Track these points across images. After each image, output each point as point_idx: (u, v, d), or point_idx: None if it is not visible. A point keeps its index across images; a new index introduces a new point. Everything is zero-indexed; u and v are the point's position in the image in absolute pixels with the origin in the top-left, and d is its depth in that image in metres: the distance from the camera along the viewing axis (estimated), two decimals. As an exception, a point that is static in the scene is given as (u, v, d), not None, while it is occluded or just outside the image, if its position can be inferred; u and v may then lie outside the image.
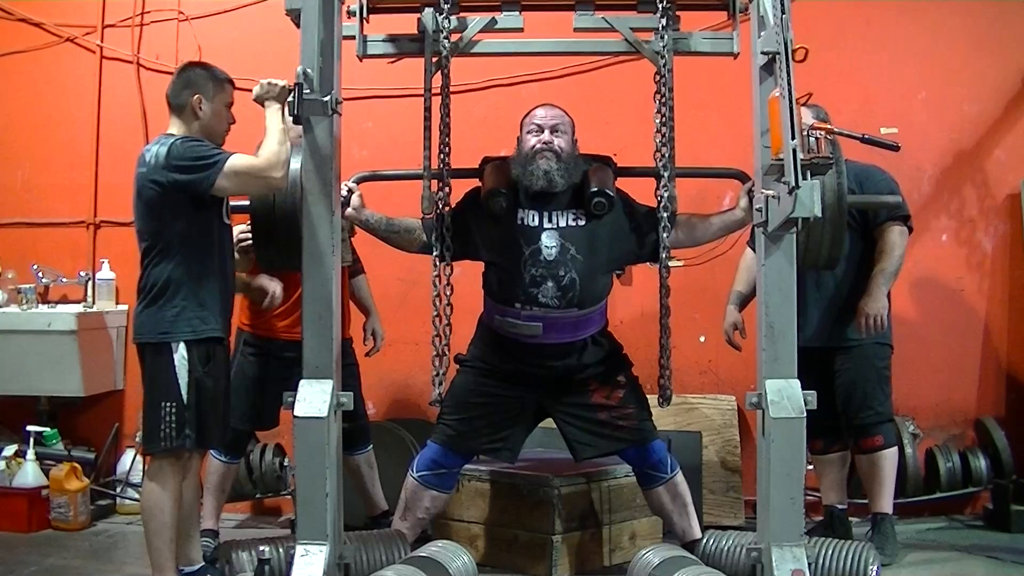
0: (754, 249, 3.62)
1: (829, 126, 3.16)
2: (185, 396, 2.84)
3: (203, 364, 2.88)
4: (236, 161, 2.81)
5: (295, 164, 2.89)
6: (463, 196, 3.30)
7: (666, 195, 3.07)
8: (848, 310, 3.52)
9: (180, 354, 2.85)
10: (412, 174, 3.29)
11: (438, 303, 3.16)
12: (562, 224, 3.16)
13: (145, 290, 2.89)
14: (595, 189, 3.12)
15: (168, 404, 2.84)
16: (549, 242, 3.13)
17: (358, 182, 3.23)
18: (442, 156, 3.13)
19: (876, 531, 3.53)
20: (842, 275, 3.52)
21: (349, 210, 3.12)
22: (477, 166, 3.30)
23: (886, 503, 3.57)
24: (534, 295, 3.12)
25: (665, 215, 3.09)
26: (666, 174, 3.08)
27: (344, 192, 3.08)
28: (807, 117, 3.48)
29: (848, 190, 3.54)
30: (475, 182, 3.30)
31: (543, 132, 3.17)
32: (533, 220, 3.17)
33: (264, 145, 2.81)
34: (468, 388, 3.27)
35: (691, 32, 3.20)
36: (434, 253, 3.15)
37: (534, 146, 3.16)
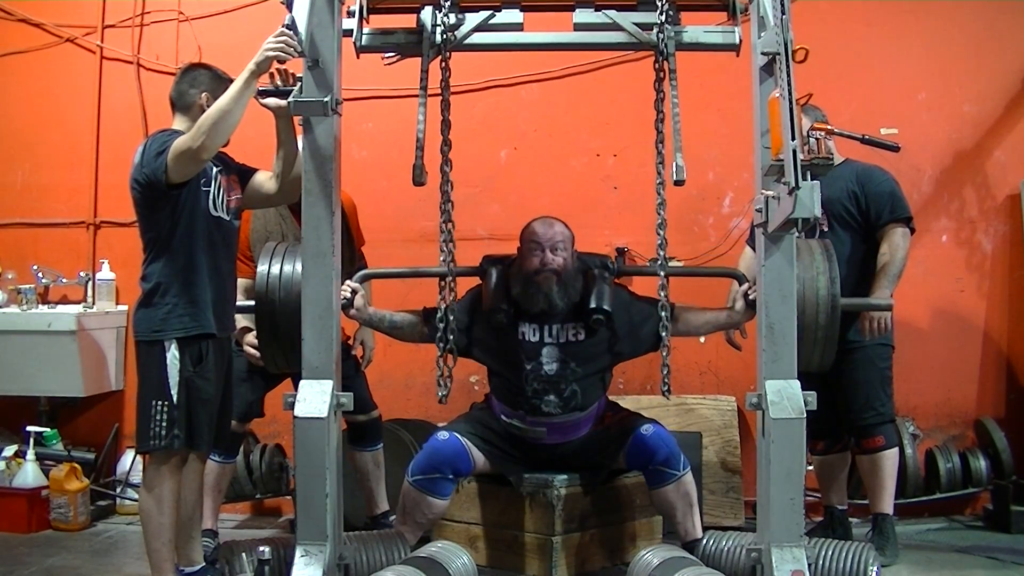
0: (753, 248, 3.63)
1: (829, 126, 3.18)
2: (175, 396, 2.84)
3: (194, 364, 2.87)
4: (176, 143, 2.78)
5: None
6: (466, 294, 3.37)
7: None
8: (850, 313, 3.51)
9: (172, 353, 2.84)
10: (413, 272, 3.46)
11: (441, 304, 3.17)
12: (562, 340, 3.26)
13: (141, 289, 2.91)
14: (594, 306, 3.20)
15: (158, 403, 2.84)
16: (549, 359, 3.24)
17: (362, 280, 3.28)
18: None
19: (876, 532, 3.54)
20: (844, 277, 3.51)
21: (352, 311, 3.17)
22: (478, 265, 3.37)
23: (887, 504, 3.57)
24: (537, 405, 3.24)
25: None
26: (663, 274, 3.12)
27: (347, 293, 3.12)
28: (805, 120, 3.50)
29: (850, 192, 3.57)
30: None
31: (544, 252, 3.21)
32: (534, 335, 3.27)
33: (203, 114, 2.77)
34: (480, 418, 3.38)
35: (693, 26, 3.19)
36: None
37: (535, 266, 3.20)
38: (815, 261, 2.99)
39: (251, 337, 3.42)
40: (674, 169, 2.88)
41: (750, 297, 3.13)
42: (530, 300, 3.22)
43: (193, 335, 2.87)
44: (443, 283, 3.18)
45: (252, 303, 3.08)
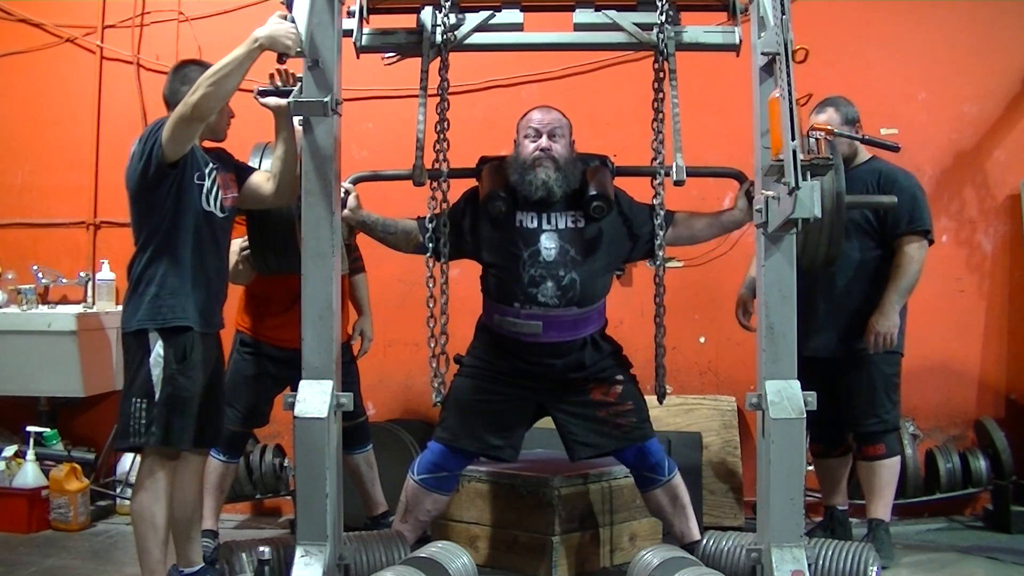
0: None
1: (829, 126, 3.18)
2: (157, 393, 2.82)
3: (177, 361, 2.85)
4: (172, 114, 2.77)
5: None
6: (461, 196, 3.29)
7: (662, 194, 3.07)
8: (859, 322, 3.49)
9: (156, 351, 2.83)
10: (409, 174, 3.28)
11: (431, 304, 3.13)
12: (561, 226, 3.16)
13: (128, 281, 2.92)
14: (594, 193, 3.11)
15: (138, 400, 2.82)
16: (548, 243, 3.13)
17: (355, 182, 3.23)
18: (439, 155, 3.11)
19: (871, 537, 3.52)
20: (854, 285, 3.51)
21: (346, 211, 3.10)
22: (475, 165, 3.29)
23: (882, 510, 3.57)
24: (533, 295, 3.11)
25: (661, 213, 3.08)
26: (662, 172, 3.07)
27: (341, 193, 3.07)
28: (835, 115, 3.47)
29: (880, 180, 3.49)
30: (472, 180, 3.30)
31: (541, 138, 3.14)
32: (532, 222, 3.16)
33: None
34: (468, 389, 3.26)
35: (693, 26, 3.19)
36: (427, 253, 3.11)
37: (532, 153, 3.13)
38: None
39: (238, 243, 3.30)
40: (674, 169, 2.87)
41: (752, 195, 3.00)
42: (528, 187, 3.11)
43: (173, 327, 2.84)
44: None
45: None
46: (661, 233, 3.11)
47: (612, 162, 3.29)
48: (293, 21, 2.65)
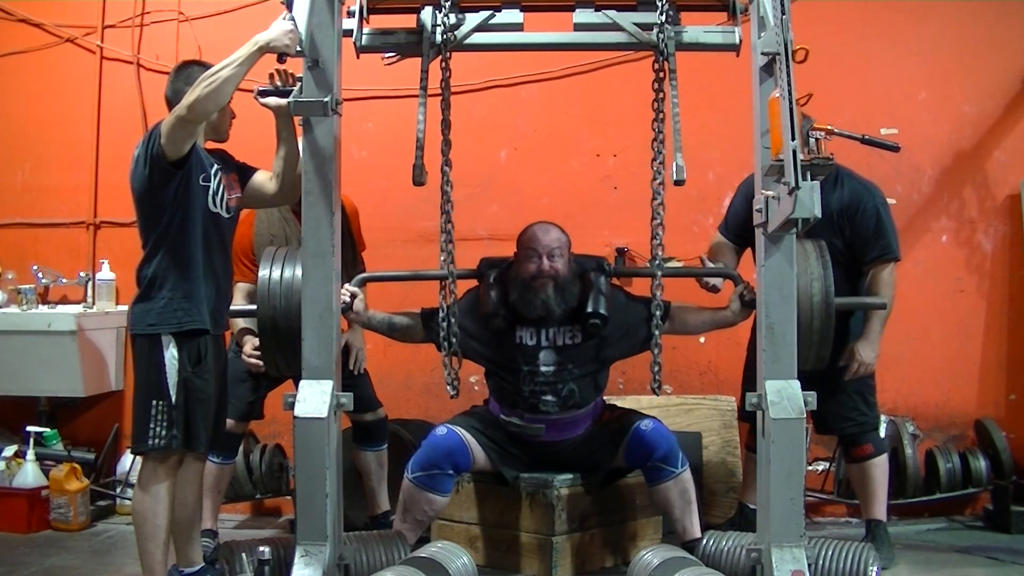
0: (725, 236, 3.65)
1: (829, 127, 3.18)
2: (174, 396, 2.82)
3: (193, 364, 2.86)
4: (170, 113, 2.77)
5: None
6: (464, 296, 3.38)
7: (662, 194, 3.09)
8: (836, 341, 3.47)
9: (171, 353, 2.83)
10: (413, 275, 3.51)
11: (443, 306, 3.22)
12: (559, 343, 3.30)
13: (137, 285, 2.91)
14: (590, 311, 3.23)
15: (158, 403, 2.82)
16: (547, 360, 3.28)
17: (361, 284, 3.29)
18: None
19: (871, 538, 3.50)
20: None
21: (351, 314, 3.21)
22: (476, 267, 3.40)
23: (879, 510, 3.56)
24: (535, 404, 3.28)
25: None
26: (659, 276, 3.14)
27: (347, 297, 3.14)
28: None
29: (836, 226, 3.42)
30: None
31: (541, 259, 3.24)
32: (531, 339, 3.31)
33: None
34: (479, 417, 3.41)
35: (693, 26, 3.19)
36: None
37: (532, 272, 3.24)
38: (809, 265, 2.99)
39: (251, 345, 3.44)
40: (674, 169, 2.87)
41: (746, 298, 3.16)
42: (527, 306, 3.25)
43: (187, 330, 2.85)
44: (443, 285, 3.21)
45: (254, 307, 3.08)
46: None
47: (608, 264, 3.42)
48: (293, 21, 2.65)
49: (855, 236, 3.46)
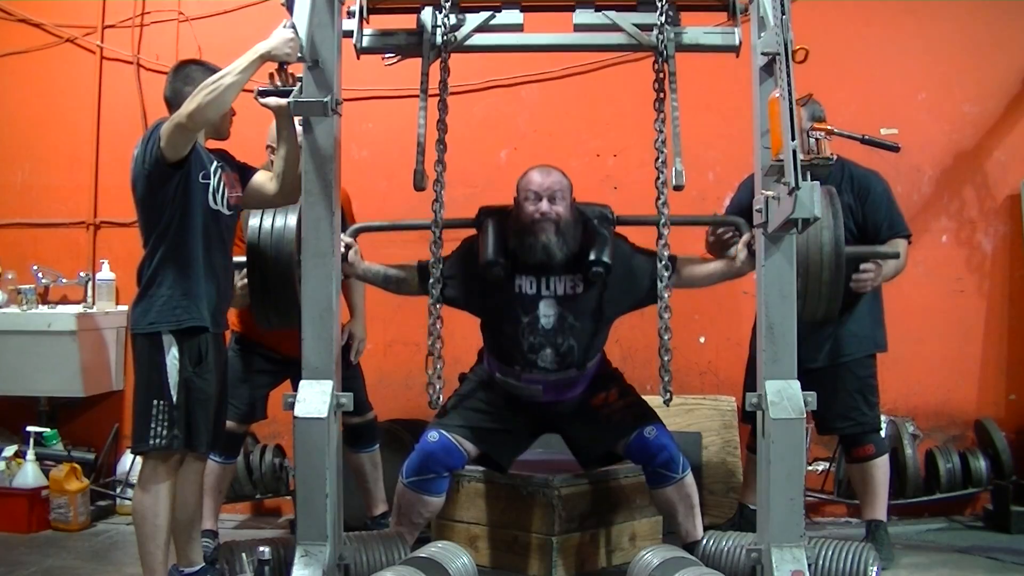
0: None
1: (829, 127, 3.18)
2: (175, 396, 2.82)
3: (194, 364, 2.86)
4: (171, 117, 2.77)
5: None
6: (461, 245, 3.29)
7: (665, 193, 2.97)
8: (840, 331, 3.47)
9: (172, 353, 2.83)
10: (411, 224, 3.39)
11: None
12: (559, 292, 3.16)
13: (137, 283, 2.91)
14: (593, 258, 3.10)
15: (159, 403, 2.82)
16: (547, 311, 3.15)
17: (355, 235, 3.22)
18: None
19: (871, 538, 3.50)
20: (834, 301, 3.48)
21: (346, 265, 3.10)
22: (475, 217, 3.27)
23: (880, 511, 3.55)
24: (533, 360, 3.15)
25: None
26: (666, 230, 2.97)
27: (341, 248, 3.06)
28: (803, 117, 3.46)
29: (846, 205, 3.47)
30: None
31: (541, 201, 3.11)
32: (531, 288, 3.16)
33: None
34: (471, 394, 3.31)
35: (693, 27, 3.19)
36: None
37: (532, 216, 3.11)
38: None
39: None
40: (673, 174, 2.86)
41: (753, 246, 3.00)
42: (528, 251, 3.11)
43: (187, 327, 2.85)
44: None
45: (243, 259, 3.06)
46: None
47: (612, 213, 3.27)
48: (294, 28, 2.65)
49: (868, 215, 3.47)
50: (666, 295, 2.96)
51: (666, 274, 2.96)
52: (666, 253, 2.96)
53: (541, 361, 3.15)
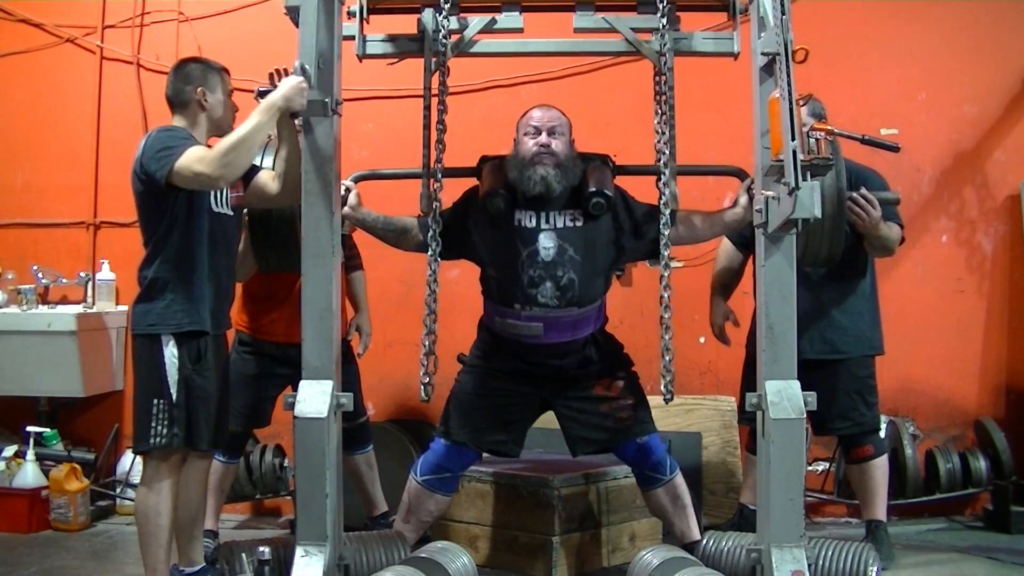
0: (730, 238, 3.59)
1: (829, 127, 3.17)
2: (175, 394, 2.83)
3: (193, 362, 2.87)
4: (184, 156, 2.77)
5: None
6: (461, 195, 3.29)
7: (667, 192, 2.99)
8: (832, 325, 3.47)
9: (170, 351, 2.84)
10: (410, 173, 3.28)
11: (432, 302, 3.01)
12: (559, 225, 3.13)
13: (138, 284, 2.92)
14: (593, 190, 3.09)
15: (159, 401, 2.83)
16: (547, 243, 3.11)
17: (356, 181, 3.22)
18: (438, 155, 3.05)
19: (871, 538, 3.50)
20: (824, 289, 3.48)
21: (346, 209, 3.09)
22: (475, 165, 3.28)
23: (879, 511, 3.55)
24: (533, 295, 3.10)
25: (666, 212, 2.98)
26: (667, 171, 3.01)
27: (342, 191, 3.05)
28: (804, 115, 3.46)
29: (854, 184, 3.50)
30: (473, 181, 3.29)
31: (540, 135, 3.13)
32: (531, 221, 3.14)
33: (221, 141, 2.76)
34: (470, 386, 3.26)
35: (691, 32, 3.20)
36: (429, 252, 3.00)
37: (531, 149, 3.12)
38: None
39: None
40: (668, 196, 2.89)
41: (753, 192, 2.96)
42: (527, 182, 3.09)
43: (187, 331, 2.86)
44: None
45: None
46: (666, 232, 2.97)
47: (613, 161, 3.27)
48: (303, 70, 2.67)
49: None
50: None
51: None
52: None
53: (541, 296, 3.09)
